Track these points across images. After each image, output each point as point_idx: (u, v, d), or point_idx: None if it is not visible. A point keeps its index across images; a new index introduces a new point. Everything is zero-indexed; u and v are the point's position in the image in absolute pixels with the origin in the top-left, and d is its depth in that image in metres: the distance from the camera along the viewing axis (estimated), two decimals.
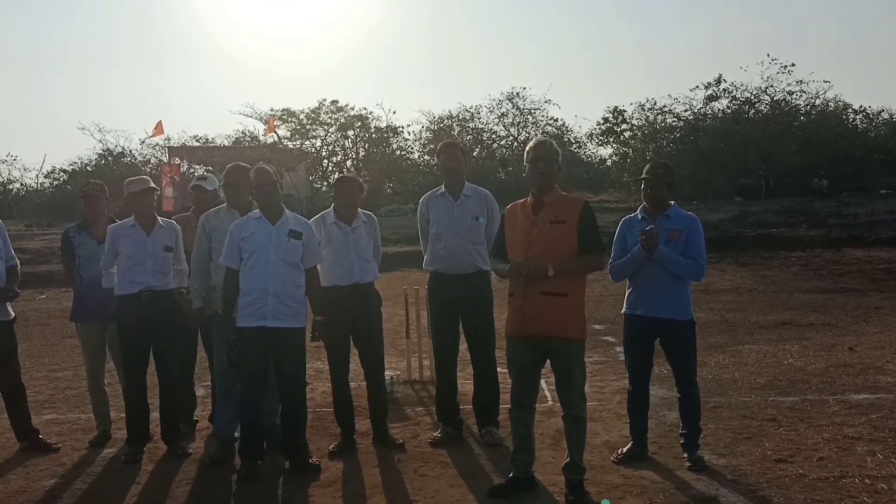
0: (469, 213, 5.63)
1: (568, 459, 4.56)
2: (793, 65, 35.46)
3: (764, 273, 15.09)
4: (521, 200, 4.71)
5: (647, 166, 5.26)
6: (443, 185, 5.78)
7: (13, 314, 5.80)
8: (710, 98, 35.97)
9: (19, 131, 66.06)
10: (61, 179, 40.37)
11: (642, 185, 5.12)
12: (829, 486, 4.53)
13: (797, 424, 5.70)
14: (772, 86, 35.52)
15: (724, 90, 35.75)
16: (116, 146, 40.15)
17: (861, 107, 39.28)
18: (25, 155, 51.57)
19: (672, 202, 5.10)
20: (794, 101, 36.21)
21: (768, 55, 46.71)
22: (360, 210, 5.63)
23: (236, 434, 5.37)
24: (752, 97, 35.92)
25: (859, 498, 4.35)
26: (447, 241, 5.60)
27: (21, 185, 42.16)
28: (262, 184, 5.20)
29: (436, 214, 5.70)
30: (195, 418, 6.25)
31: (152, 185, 5.71)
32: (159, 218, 5.69)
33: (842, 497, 4.37)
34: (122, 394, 5.75)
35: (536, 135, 37.78)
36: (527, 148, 4.72)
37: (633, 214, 5.21)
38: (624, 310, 5.18)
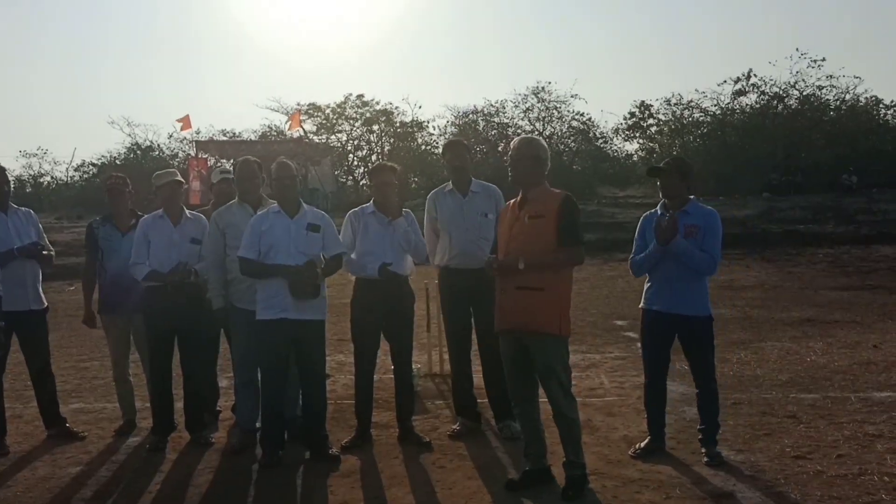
0: (478, 209, 5.66)
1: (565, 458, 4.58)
2: (823, 59, 34.89)
3: (790, 270, 14.94)
4: (515, 198, 4.74)
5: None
6: (450, 182, 5.82)
7: (46, 304, 5.93)
8: (738, 93, 35.49)
9: (50, 125, 67.06)
10: (91, 173, 40.76)
11: (657, 181, 5.15)
12: (848, 483, 4.51)
13: (817, 421, 5.67)
14: (801, 80, 35.02)
15: (753, 85, 35.29)
16: (145, 140, 40.52)
17: (892, 101, 38.53)
18: (56, 149, 52.28)
19: (691, 197, 5.10)
20: (823, 96, 35.66)
21: (797, 49, 46.01)
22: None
23: (258, 425, 5.45)
24: (781, 92, 35.43)
25: (877, 495, 4.32)
26: (457, 236, 5.64)
27: (52, 178, 42.70)
28: (282, 177, 5.26)
29: (445, 211, 5.74)
30: (218, 408, 6.35)
31: (178, 177, 5.78)
32: (187, 211, 5.77)
33: (860, 494, 4.34)
34: (147, 384, 5.85)
35: (562, 129, 37.63)
36: None
37: (653, 210, 5.21)
38: (642, 304, 5.20)
